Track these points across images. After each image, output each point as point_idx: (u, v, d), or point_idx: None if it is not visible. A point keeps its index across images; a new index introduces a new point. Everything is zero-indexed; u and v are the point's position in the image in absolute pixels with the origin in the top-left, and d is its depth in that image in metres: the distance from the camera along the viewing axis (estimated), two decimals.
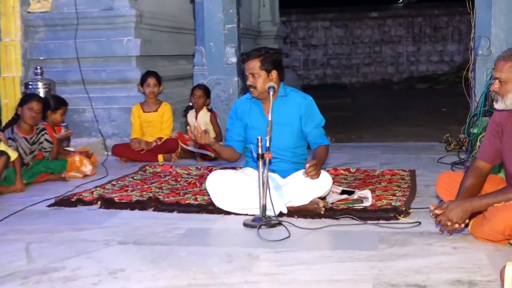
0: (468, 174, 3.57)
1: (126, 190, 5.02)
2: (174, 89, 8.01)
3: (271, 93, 4.09)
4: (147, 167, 5.98)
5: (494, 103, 3.44)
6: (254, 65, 4.19)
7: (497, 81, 3.37)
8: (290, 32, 17.70)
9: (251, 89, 4.22)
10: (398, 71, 17.78)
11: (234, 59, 7.27)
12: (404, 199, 4.45)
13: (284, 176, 4.25)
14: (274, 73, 4.21)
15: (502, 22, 6.50)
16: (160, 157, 6.42)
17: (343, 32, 17.93)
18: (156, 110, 6.74)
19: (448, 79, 16.50)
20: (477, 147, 5.43)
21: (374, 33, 17.80)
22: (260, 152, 3.78)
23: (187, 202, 4.55)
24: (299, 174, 4.13)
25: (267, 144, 3.78)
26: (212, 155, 6.40)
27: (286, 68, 13.50)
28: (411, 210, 4.11)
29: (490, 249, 3.28)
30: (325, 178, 4.09)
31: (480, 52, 6.52)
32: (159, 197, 4.68)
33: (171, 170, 5.86)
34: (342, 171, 5.56)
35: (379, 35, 17.81)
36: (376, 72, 17.88)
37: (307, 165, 3.93)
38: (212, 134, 6.73)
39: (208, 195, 4.28)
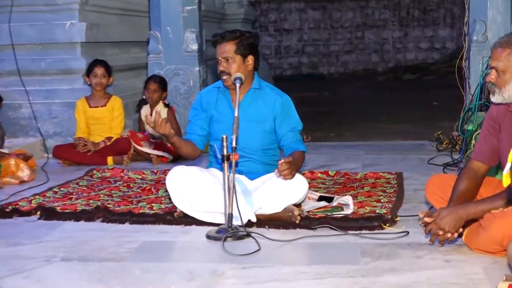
0: (462, 176, 3.62)
1: (70, 198, 4.98)
2: (125, 81, 7.97)
3: (238, 85, 4.10)
4: (95, 172, 5.94)
5: (491, 95, 3.49)
6: (229, 48, 4.20)
7: (493, 70, 3.42)
8: (259, 15, 17.72)
9: (224, 76, 4.22)
10: (383, 59, 17.92)
11: (194, 46, 7.25)
12: (390, 205, 4.49)
13: (252, 178, 4.26)
14: (250, 59, 4.23)
15: (500, 4, 6.58)
16: (110, 159, 6.39)
17: (320, 15, 18.01)
18: (105, 105, 6.70)
19: (439, 68, 16.69)
20: (472, 146, 5.50)
21: (355, 16, 17.92)
22: (225, 153, 3.78)
23: (141, 211, 4.53)
24: (271, 177, 4.14)
25: (233, 144, 3.78)
26: (170, 157, 6.40)
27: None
28: (397, 218, 4.14)
29: (487, 262, 3.32)
30: (300, 183, 4.11)
31: (475, 38, 6.60)
32: (108, 206, 4.65)
33: (122, 174, 5.83)
34: (319, 175, 5.59)
35: (361, 18, 17.93)
36: (358, 61, 18.00)
37: (281, 162, 3.94)
38: None
39: (167, 198, 4.26)
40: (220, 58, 4.21)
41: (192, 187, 4.10)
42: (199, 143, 4.38)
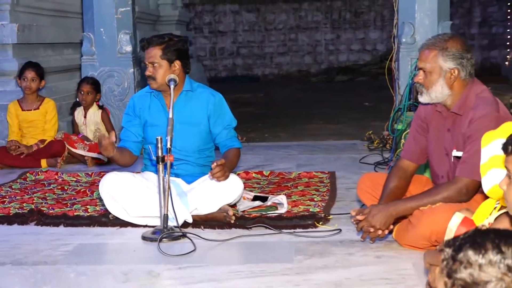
0: (392, 175, 3.69)
1: (3, 202, 4.89)
2: (59, 83, 7.85)
3: (172, 86, 4.09)
4: (28, 174, 5.85)
5: (419, 96, 3.56)
6: (155, 53, 4.17)
7: (421, 71, 3.50)
8: (194, 16, 17.69)
9: (150, 81, 4.21)
10: (316, 61, 18.10)
11: (128, 48, 7.20)
12: (323, 204, 4.54)
13: (189, 182, 4.25)
14: (177, 64, 4.21)
15: (427, 7, 6.72)
16: (44, 162, 6.29)
17: (254, 17, 18.08)
18: (38, 108, 6.59)
19: (370, 70, 16.94)
20: (401, 145, 5.60)
21: (289, 18, 18.05)
22: (160, 154, 3.77)
23: (76, 214, 4.47)
24: (206, 179, 4.15)
25: (168, 145, 3.77)
26: (105, 158, 6.32)
27: (190, 58, 13.45)
28: (330, 217, 4.20)
29: (416, 257, 3.39)
30: (235, 183, 4.13)
31: (403, 40, 6.73)
32: (42, 209, 4.58)
33: (56, 177, 5.75)
34: (254, 175, 5.62)
35: (294, 20, 18.07)
36: (292, 63, 18.14)
37: (213, 165, 3.96)
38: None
39: (102, 201, 4.22)
40: (147, 62, 4.20)
41: (126, 194, 4.07)
42: (134, 150, 4.35)
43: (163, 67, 4.17)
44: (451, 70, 3.42)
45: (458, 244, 1.60)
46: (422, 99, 3.53)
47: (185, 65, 4.26)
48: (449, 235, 2.50)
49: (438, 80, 3.45)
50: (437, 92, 3.46)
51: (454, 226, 2.51)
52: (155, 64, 4.17)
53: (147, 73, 4.19)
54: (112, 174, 4.18)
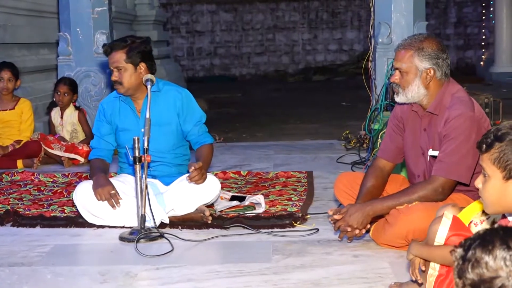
0: (369, 174, 3.71)
1: None
2: (34, 83, 7.80)
3: (149, 86, 4.07)
4: (4, 175, 5.80)
5: (395, 95, 3.58)
6: (119, 57, 4.15)
7: (397, 71, 3.52)
8: (171, 16, 17.65)
9: (117, 86, 4.19)
10: (294, 61, 18.15)
11: None
12: (300, 204, 4.55)
13: (167, 183, 4.24)
14: (142, 66, 4.18)
15: (403, 7, 6.76)
16: (20, 162, 6.24)
17: (231, 17, 18.09)
18: (13, 108, 6.55)
19: (347, 70, 17.03)
20: (378, 144, 5.62)
21: (266, 18, 18.08)
22: (137, 154, 3.76)
23: (52, 214, 4.45)
24: (183, 179, 4.14)
25: (145, 145, 3.76)
26: (82, 159, 6.31)
27: (167, 58, 13.47)
28: (308, 216, 4.21)
29: (393, 256, 3.42)
30: (213, 183, 4.13)
31: (380, 40, 6.77)
32: (18, 210, 4.55)
33: (32, 178, 5.71)
34: (232, 174, 5.62)
35: (271, 20, 18.11)
36: (269, 63, 18.17)
37: (191, 169, 3.95)
38: (81, 136, 6.62)
39: (77, 209, 4.21)
40: (112, 67, 4.18)
41: (100, 205, 4.05)
42: (108, 157, 4.36)
43: (129, 70, 4.15)
44: (427, 70, 3.45)
45: (468, 243, 1.59)
46: (398, 99, 3.55)
47: (151, 67, 4.23)
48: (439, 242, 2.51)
49: (414, 80, 3.47)
50: (413, 92, 3.49)
51: (441, 238, 2.53)
52: (120, 69, 4.15)
53: (113, 78, 4.17)
54: (85, 184, 4.16)
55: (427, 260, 2.55)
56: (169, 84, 4.37)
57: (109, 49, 4.19)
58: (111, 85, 7.01)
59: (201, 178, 3.99)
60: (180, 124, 4.29)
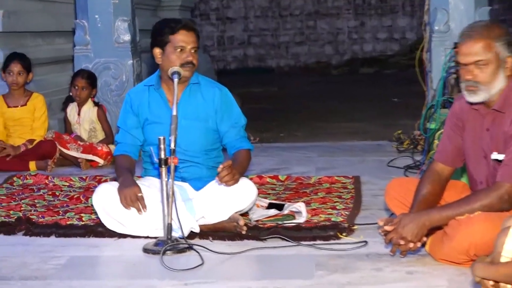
0: (425, 180, 3.68)
1: None
2: (49, 76, 7.88)
3: (176, 80, 4.11)
4: (15, 178, 5.86)
5: (470, 95, 3.40)
6: (196, 37, 4.27)
7: (471, 66, 3.39)
8: (199, 1, 17.71)
9: (189, 67, 4.20)
10: (338, 51, 18.08)
11: (127, 37, 7.21)
12: (346, 213, 4.54)
13: (197, 187, 4.25)
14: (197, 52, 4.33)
15: None
16: (32, 164, 6.31)
17: (267, 2, 18.08)
18: (25, 104, 6.62)
19: (399, 61, 16.90)
20: (435, 146, 5.58)
21: (306, 3, 18.04)
22: (162, 156, 3.78)
23: (68, 222, 4.49)
24: (214, 183, 4.15)
25: (172, 146, 3.78)
26: (101, 161, 6.36)
27: None
28: (355, 227, 4.20)
29: (452, 273, 3.38)
30: (248, 188, 4.13)
31: (436, 27, 6.71)
32: (31, 217, 4.60)
33: (46, 181, 5.76)
34: (268, 179, 5.62)
35: (313, 5, 18.05)
36: (310, 53, 18.12)
37: (220, 167, 3.96)
38: (101, 135, 6.67)
39: (96, 214, 4.24)
40: (188, 47, 4.21)
41: (122, 209, 4.07)
42: (134, 153, 4.39)
43: (197, 55, 4.28)
44: (507, 59, 3.39)
45: None
46: (478, 98, 3.42)
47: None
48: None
49: (498, 72, 3.38)
50: (497, 87, 3.40)
51: (509, 252, 2.49)
52: (196, 49, 4.26)
53: (189, 58, 4.20)
54: (106, 186, 4.19)
55: (497, 282, 2.52)
56: (208, 79, 4.45)
57: (191, 25, 4.30)
58: (138, 78, 7.09)
59: (232, 179, 4.00)
60: (216, 123, 4.32)
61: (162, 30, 4.26)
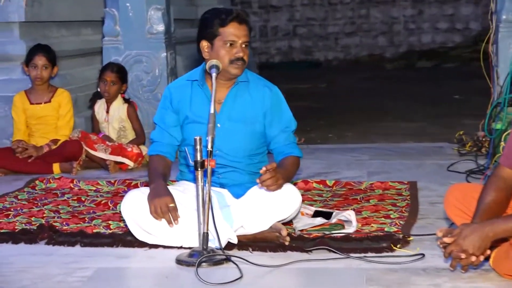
0: (489, 186, 3.64)
1: (7, 215, 4.97)
2: (75, 70, 7.95)
3: (214, 75, 4.11)
4: (37, 182, 5.93)
5: None
6: (248, 31, 4.25)
7: None
8: None
9: (240, 63, 4.20)
10: (393, 43, 18.01)
11: (160, 27, 7.24)
12: (401, 222, 4.52)
13: (237, 195, 4.25)
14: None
15: None
16: (56, 167, 6.38)
17: None
18: (49, 101, 6.68)
19: (461, 54, 16.79)
20: (501, 149, 5.54)
21: None
22: (198, 158, 3.79)
23: (95, 231, 4.53)
24: (255, 189, 4.15)
25: (209, 147, 3.79)
26: (131, 163, 6.41)
27: None
28: (411, 238, 4.18)
29: None
30: (291, 195, 4.12)
31: (504, 17, 6.64)
32: (54, 224, 4.65)
33: (71, 185, 5.82)
34: (315, 185, 5.61)
35: None
36: (362, 45, 18.08)
37: (263, 169, 3.95)
38: (131, 135, 6.71)
39: (125, 222, 4.27)
40: (240, 41, 4.19)
41: (152, 219, 4.08)
42: (170, 154, 4.38)
43: (248, 49, 4.28)
44: None
45: None
46: None
47: None
48: None
49: None
50: None
51: None
52: (246, 44, 4.24)
53: (240, 54, 4.19)
54: (135, 193, 4.20)
55: None
56: (257, 77, 4.43)
57: (244, 16, 4.25)
58: (172, 73, 7.12)
59: (275, 184, 3.98)
60: (265, 126, 4.31)
61: (211, 21, 4.21)
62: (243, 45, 4.20)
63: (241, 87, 4.31)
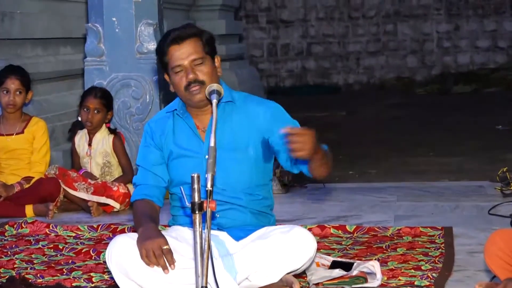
0: None
1: None
2: (52, 95, 7.99)
3: (215, 101, 4.11)
4: (7, 227, 5.94)
5: None
6: (196, 46, 4.23)
7: None
8: (245, 0, 17.85)
9: (196, 87, 4.21)
10: (424, 64, 18.06)
11: (152, 45, 7.27)
12: (434, 275, 4.52)
13: (238, 238, 4.27)
14: (217, 60, 4.30)
15: None
16: (29, 209, 6.38)
17: (333, 1, 18.16)
18: (22, 132, 6.70)
19: (505, 77, 16.83)
20: None
21: (384, 1, 18.08)
22: (196, 199, 3.80)
23: (74, 284, 4.53)
24: (263, 234, 4.16)
25: (209, 186, 3.79)
26: (117, 205, 6.42)
27: (239, 60, 13.65)
28: None
29: None
30: (304, 241, 4.12)
31: None
32: (27, 276, 4.65)
33: (47, 231, 5.83)
34: (333, 230, 5.62)
35: (392, 5, 18.10)
36: (388, 66, 18.14)
37: (286, 130, 3.89)
38: (117, 172, 6.72)
39: (110, 274, 4.28)
40: (184, 63, 4.22)
41: (144, 268, 4.08)
42: (158, 198, 4.37)
43: (208, 64, 4.24)
44: None
45: None
46: None
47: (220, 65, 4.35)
48: None
49: None
50: None
51: None
52: (200, 62, 4.21)
53: (192, 76, 4.19)
54: (122, 239, 4.18)
55: None
56: (247, 96, 4.40)
57: (179, 34, 4.25)
58: (165, 99, 7.13)
59: (306, 148, 3.90)
60: (261, 150, 4.30)
61: (159, 51, 4.29)
62: (195, 64, 4.20)
63: (225, 109, 4.32)
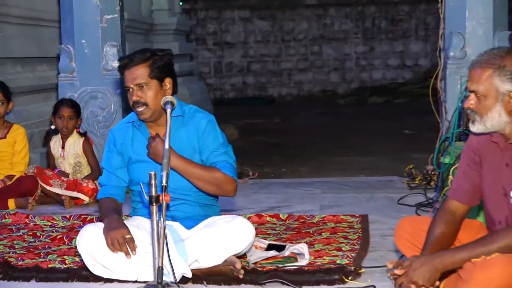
0: (438, 219, 3.68)
1: None
2: (30, 106, 7.91)
3: (169, 111, 4.11)
4: None
5: (470, 124, 3.55)
6: (142, 72, 4.20)
7: (472, 95, 3.48)
8: (196, 25, 17.82)
9: (140, 108, 4.21)
10: (345, 79, 18.16)
11: (116, 63, 7.23)
12: (353, 255, 4.55)
13: (189, 226, 4.26)
14: (168, 82, 4.26)
15: (480, 14, 6.71)
16: (11, 202, 6.32)
17: (269, 26, 18.20)
18: (4, 137, 6.64)
19: (411, 90, 16.97)
20: (449, 182, 5.59)
21: (311, 27, 18.16)
22: (153, 193, 3.78)
23: (50, 266, 4.49)
24: (209, 223, 4.16)
25: (164, 182, 3.79)
26: (87, 198, 6.37)
27: (190, 76, 13.55)
28: (362, 270, 4.20)
29: None
30: (245, 228, 4.13)
31: (451, 53, 6.74)
32: (9, 260, 4.60)
33: (27, 220, 5.77)
34: (268, 218, 5.62)
35: (318, 30, 18.17)
36: (315, 81, 18.20)
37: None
38: (86, 170, 6.68)
39: (81, 257, 4.24)
40: (131, 85, 4.21)
41: (110, 253, 4.06)
42: (120, 196, 4.39)
43: (154, 88, 4.20)
44: (510, 93, 3.43)
45: None
46: (475, 128, 3.53)
47: (175, 84, 4.31)
48: None
49: (494, 105, 3.44)
50: (494, 120, 3.46)
51: None
52: (144, 86, 4.20)
53: (135, 98, 4.19)
54: (91, 228, 4.18)
55: None
56: (196, 109, 4.40)
57: (128, 62, 4.22)
58: (126, 109, 7.10)
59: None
60: (200, 152, 4.30)
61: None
62: (140, 87, 4.19)
63: (178, 122, 4.30)
